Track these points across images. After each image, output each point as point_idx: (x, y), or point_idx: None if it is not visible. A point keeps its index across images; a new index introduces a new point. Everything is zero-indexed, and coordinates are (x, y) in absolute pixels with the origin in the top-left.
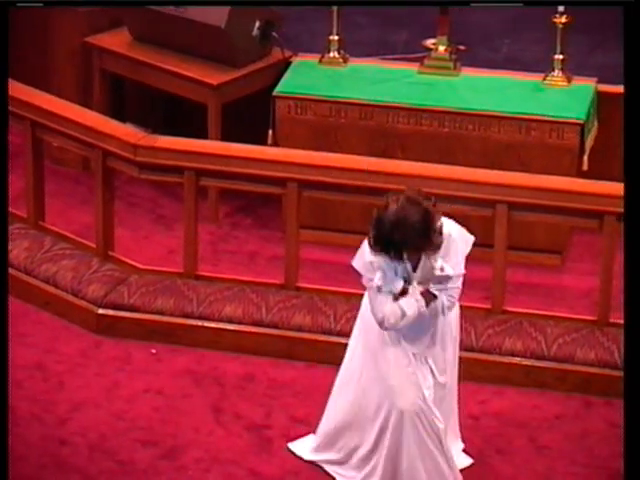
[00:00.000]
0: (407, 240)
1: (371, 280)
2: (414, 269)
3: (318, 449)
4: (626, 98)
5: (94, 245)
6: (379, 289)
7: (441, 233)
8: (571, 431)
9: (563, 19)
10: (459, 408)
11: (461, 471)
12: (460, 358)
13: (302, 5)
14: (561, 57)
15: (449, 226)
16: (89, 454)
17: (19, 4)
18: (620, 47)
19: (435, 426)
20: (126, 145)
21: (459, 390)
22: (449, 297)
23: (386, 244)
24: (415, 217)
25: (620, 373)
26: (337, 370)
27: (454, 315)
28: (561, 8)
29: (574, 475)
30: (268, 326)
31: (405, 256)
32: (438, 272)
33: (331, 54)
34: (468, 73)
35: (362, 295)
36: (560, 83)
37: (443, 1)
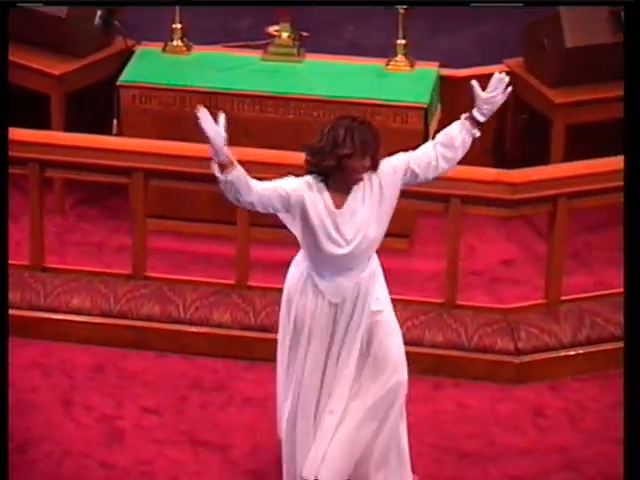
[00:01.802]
0: (358, 145)
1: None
2: (338, 207)
3: None
4: (626, 98)
5: None
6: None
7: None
8: (421, 413)
9: (404, 5)
10: None
11: None
12: None
13: (298, 5)
14: (404, 42)
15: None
16: None
17: (19, 4)
18: (461, 30)
19: None
20: None
21: None
22: None
23: (331, 152)
24: (370, 126)
25: (467, 354)
26: (188, 359)
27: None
28: None
29: (424, 455)
30: (117, 317)
31: (331, 183)
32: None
33: (174, 42)
34: (312, 59)
35: (210, 284)
36: (403, 68)
37: (442, 1)
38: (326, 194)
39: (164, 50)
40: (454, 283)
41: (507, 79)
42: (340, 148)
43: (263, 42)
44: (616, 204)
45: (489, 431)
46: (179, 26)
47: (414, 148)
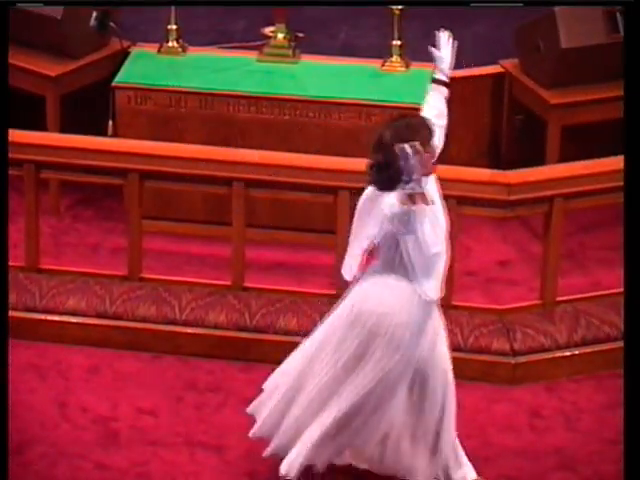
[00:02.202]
0: (423, 133)
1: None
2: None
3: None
4: (626, 98)
5: None
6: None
7: None
8: None
9: (399, 5)
10: None
11: None
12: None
13: (296, 5)
14: (399, 43)
15: None
16: None
17: (19, 4)
18: (456, 31)
19: None
20: None
21: None
22: None
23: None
24: (416, 117)
25: (463, 355)
26: (184, 361)
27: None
28: None
29: None
30: (112, 318)
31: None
32: None
33: (170, 43)
34: (307, 60)
35: (205, 285)
36: (398, 68)
37: (441, 1)
38: None
39: (159, 51)
40: (450, 284)
41: (448, 33)
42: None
43: (258, 43)
44: (612, 204)
45: (485, 432)
46: (174, 27)
47: None
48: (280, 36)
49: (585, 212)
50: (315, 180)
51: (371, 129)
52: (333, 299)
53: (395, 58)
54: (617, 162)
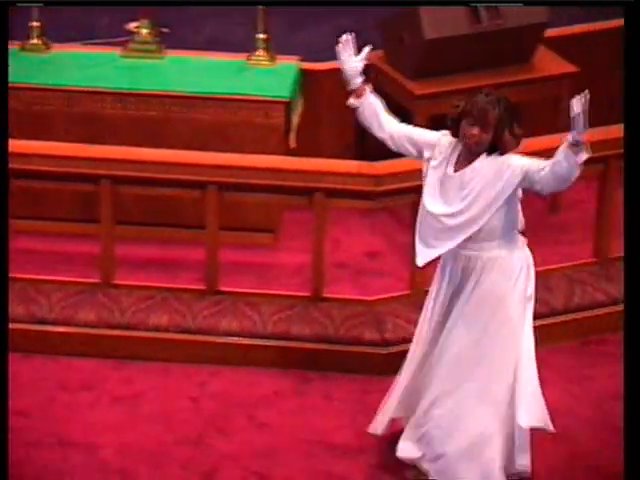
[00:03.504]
0: (470, 109)
1: None
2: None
3: None
4: (626, 98)
5: None
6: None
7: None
8: (289, 407)
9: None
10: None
11: None
12: (176, 340)
13: (296, 5)
14: (264, 36)
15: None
16: None
17: (19, 4)
18: (320, 24)
19: None
20: None
21: (176, 372)
22: None
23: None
24: (500, 101)
25: (335, 347)
26: (55, 360)
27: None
28: None
29: (294, 450)
30: None
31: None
32: None
33: (33, 41)
34: (173, 55)
35: (75, 283)
36: (264, 62)
37: (441, 0)
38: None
39: (23, 49)
40: (320, 276)
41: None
42: (459, 108)
43: (123, 39)
44: None
45: (359, 422)
46: (37, 24)
47: (276, 143)
48: (144, 31)
49: None
50: (183, 175)
51: (238, 123)
52: (203, 294)
53: (260, 52)
54: None
